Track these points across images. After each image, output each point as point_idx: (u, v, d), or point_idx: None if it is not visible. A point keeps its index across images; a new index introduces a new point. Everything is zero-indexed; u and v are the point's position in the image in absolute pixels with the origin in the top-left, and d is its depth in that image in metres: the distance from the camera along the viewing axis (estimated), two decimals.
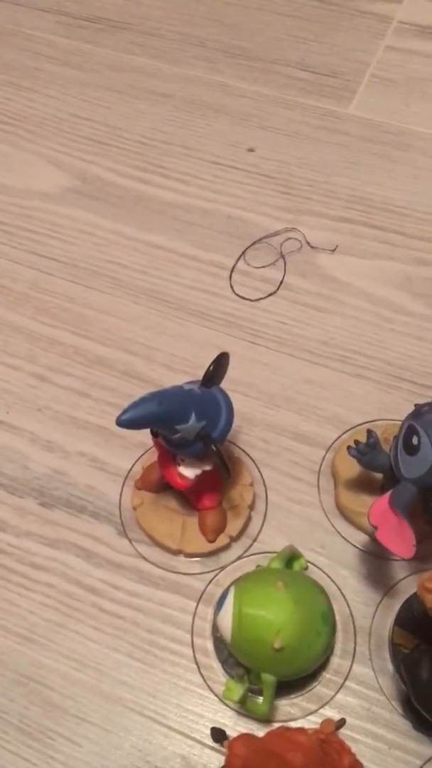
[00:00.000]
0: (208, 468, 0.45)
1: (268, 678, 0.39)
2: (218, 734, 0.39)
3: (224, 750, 0.39)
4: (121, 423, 0.39)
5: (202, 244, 0.65)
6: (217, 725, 0.44)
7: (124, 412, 0.39)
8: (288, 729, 0.36)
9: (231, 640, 0.38)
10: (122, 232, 0.66)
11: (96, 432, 0.56)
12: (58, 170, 0.70)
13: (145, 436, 0.53)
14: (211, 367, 0.42)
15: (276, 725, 0.43)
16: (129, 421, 0.39)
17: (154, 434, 0.45)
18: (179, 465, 0.45)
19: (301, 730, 0.36)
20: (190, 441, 0.42)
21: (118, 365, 0.59)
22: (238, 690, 0.37)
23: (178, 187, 0.68)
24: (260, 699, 0.41)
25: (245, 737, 0.36)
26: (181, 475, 0.45)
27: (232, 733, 0.41)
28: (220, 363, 0.42)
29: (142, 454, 0.54)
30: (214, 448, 0.41)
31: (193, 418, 0.40)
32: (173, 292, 0.62)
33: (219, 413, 0.43)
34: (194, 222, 0.66)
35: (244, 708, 0.38)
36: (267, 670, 0.39)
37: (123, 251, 0.65)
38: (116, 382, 0.58)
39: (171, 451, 0.44)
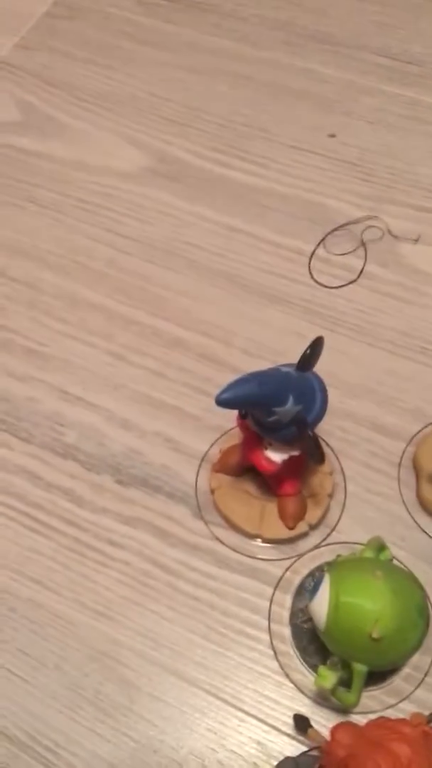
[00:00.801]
0: (295, 453, 0.45)
1: (360, 668, 0.38)
2: (302, 722, 0.39)
3: (307, 739, 0.39)
4: (220, 401, 0.38)
5: (281, 229, 0.64)
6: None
7: (224, 391, 0.38)
8: (389, 720, 0.36)
9: (325, 627, 0.37)
10: (200, 214, 0.65)
11: (172, 413, 0.55)
12: (137, 150, 0.70)
13: (221, 419, 0.53)
14: (308, 351, 0.41)
15: (354, 717, 0.43)
16: (228, 400, 0.38)
17: (243, 416, 0.44)
18: (266, 449, 0.45)
19: (404, 721, 0.35)
20: (284, 425, 0.41)
21: (196, 347, 0.58)
22: (331, 677, 0.37)
23: (258, 171, 0.67)
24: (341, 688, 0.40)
25: (347, 726, 0.35)
26: (268, 459, 0.45)
27: None
28: (317, 347, 0.41)
29: (219, 438, 0.53)
30: (310, 433, 0.41)
31: (290, 401, 0.40)
32: (251, 276, 0.62)
33: (314, 398, 0.42)
34: (273, 206, 0.65)
35: (333, 696, 0.37)
36: (360, 660, 0.38)
37: (201, 233, 0.64)
38: (193, 365, 0.57)
39: (260, 434, 0.43)
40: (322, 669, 0.37)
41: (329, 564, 0.40)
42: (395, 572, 0.41)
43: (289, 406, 0.40)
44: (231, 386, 0.38)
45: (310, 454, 0.41)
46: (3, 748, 0.44)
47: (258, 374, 0.39)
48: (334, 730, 0.35)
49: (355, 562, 0.40)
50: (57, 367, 0.58)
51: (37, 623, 0.47)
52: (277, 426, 0.41)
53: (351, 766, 0.33)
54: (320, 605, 0.37)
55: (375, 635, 0.36)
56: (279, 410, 0.40)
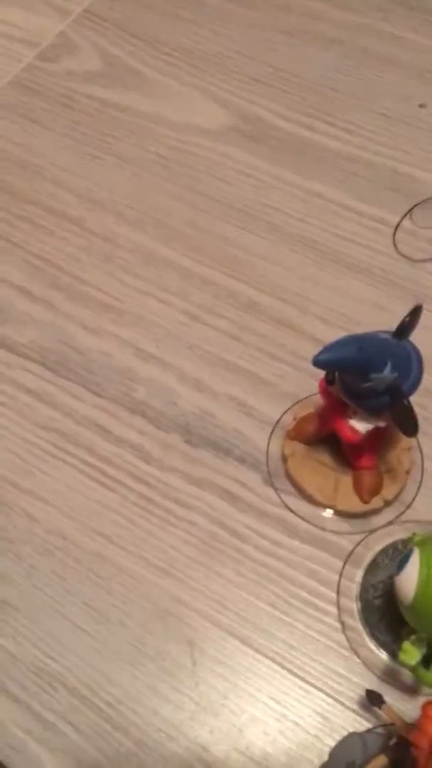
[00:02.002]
0: (381, 424, 0.43)
1: None
2: (375, 697, 0.38)
3: (383, 714, 0.38)
4: (317, 362, 0.37)
5: (365, 197, 0.62)
6: (363, 691, 0.42)
7: (322, 352, 0.37)
8: None
9: (412, 602, 0.36)
10: (282, 177, 0.64)
11: (245, 376, 0.54)
12: (220, 108, 0.68)
13: (296, 387, 0.52)
14: (407, 319, 0.39)
15: (422, 699, 0.42)
16: (326, 361, 0.37)
17: (329, 382, 0.43)
18: (350, 418, 0.43)
19: None
20: (378, 392, 0.40)
21: (271, 312, 0.57)
22: (415, 653, 0.36)
23: (344, 137, 0.65)
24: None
25: None
26: (352, 429, 0.43)
27: None
28: (416, 314, 0.40)
29: (293, 405, 0.52)
30: (405, 402, 0.39)
31: (388, 367, 0.38)
32: (332, 243, 0.60)
33: (410, 367, 0.40)
34: (358, 173, 0.63)
35: (413, 673, 0.36)
36: None
37: (282, 196, 0.62)
38: (268, 329, 0.56)
39: (348, 401, 0.42)
40: (406, 644, 0.36)
41: (417, 539, 0.39)
42: None
43: (386, 373, 0.38)
44: (330, 348, 0.37)
45: (404, 424, 0.40)
46: (63, 698, 0.43)
47: (358, 337, 0.38)
48: (427, 707, 0.34)
49: None
50: (131, 323, 0.57)
51: (101, 577, 0.47)
52: (370, 393, 0.40)
53: None
54: (408, 579, 0.36)
55: None
56: (375, 376, 0.38)
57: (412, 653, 0.35)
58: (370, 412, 0.42)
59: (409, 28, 0.72)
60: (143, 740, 0.42)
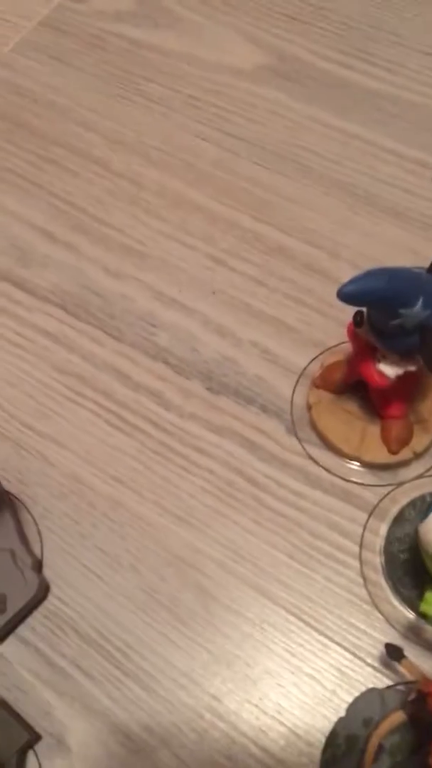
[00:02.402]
0: (411, 369, 0.40)
1: None
2: (395, 651, 0.36)
3: (401, 669, 0.36)
4: (343, 294, 0.34)
5: (405, 139, 0.58)
6: (383, 648, 0.40)
7: (349, 283, 0.34)
8: None
9: None
10: (317, 118, 0.60)
11: (270, 323, 0.52)
12: (254, 46, 0.65)
13: (323, 334, 0.50)
14: None
15: None
16: (352, 294, 0.34)
17: (357, 324, 0.40)
18: (379, 362, 0.41)
19: None
20: (407, 331, 0.37)
21: (300, 256, 0.54)
22: None
23: (384, 76, 0.62)
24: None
25: None
26: (380, 373, 0.41)
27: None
28: None
29: (320, 354, 0.50)
30: None
31: (419, 303, 0.36)
32: (368, 186, 0.57)
33: None
34: (399, 114, 0.60)
35: None
36: None
37: (317, 138, 0.59)
38: (296, 275, 0.53)
39: (376, 343, 0.39)
40: (429, 594, 0.33)
41: None
42: None
43: (417, 310, 0.36)
44: (357, 279, 0.34)
45: None
46: (73, 643, 0.42)
47: (387, 270, 0.35)
48: None
49: None
50: (154, 267, 0.55)
51: (116, 522, 0.45)
52: (399, 332, 0.37)
53: None
54: None
55: None
56: (405, 312, 0.36)
57: None
58: (400, 353, 0.40)
59: None
60: (153, 687, 0.41)
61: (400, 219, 0.55)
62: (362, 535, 0.44)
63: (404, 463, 0.45)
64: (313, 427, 0.47)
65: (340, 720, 0.39)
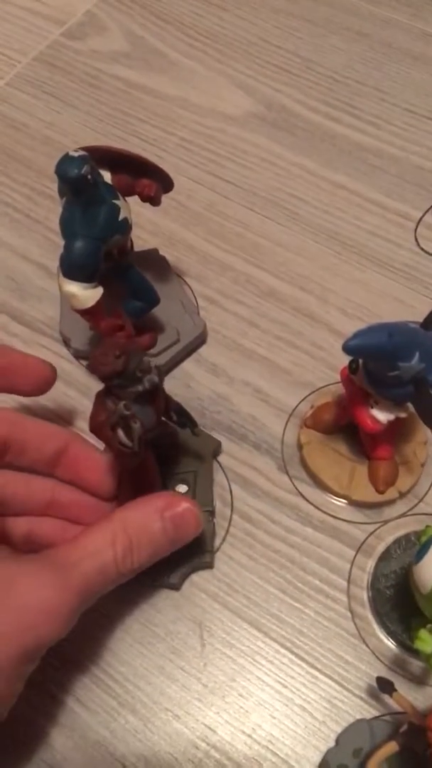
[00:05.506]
0: (403, 415, 0.43)
1: None
2: (386, 685, 0.38)
3: (393, 702, 0.38)
4: (348, 348, 0.37)
5: (388, 191, 0.62)
6: (371, 679, 0.42)
7: (353, 338, 0.37)
8: None
9: (431, 591, 0.36)
10: (305, 167, 0.63)
11: (262, 363, 0.54)
12: (245, 94, 0.68)
13: (312, 376, 0.52)
14: None
15: (431, 689, 0.42)
16: (356, 347, 0.37)
17: (353, 371, 0.43)
18: (372, 407, 0.43)
19: None
20: (403, 382, 0.40)
21: (291, 300, 0.57)
22: (431, 641, 0.36)
23: (369, 130, 0.65)
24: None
25: None
26: (373, 418, 0.43)
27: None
28: None
29: (310, 394, 0.52)
30: (431, 393, 0.39)
31: (416, 357, 0.38)
32: (354, 235, 0.60)
33: None
34: (382, 167, 0.63)
35: (428, 662, 0.36)
36: None
37: (305, 186, 0.62)
38: (287, 317, 0.56)
39: (372, 391, 0.42)
40: (423, 632, 0.36)
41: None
42: None
43: (414, 363, 0.38)
44: (360, 334, 0.37)
45: (428, 415, 0.40)
46: (71, 674, 0.43)
47: (388, 325, 0.38)
48: None
49: None
50: None
51: None
52: (396, 383, 0.40)
53: None
54: (428, 568, 0.36)
55: None
56: (403, 365, 0.38)
57: (428, 641, 0.35)
58: (394, 401, 0.42)
59: None
60: (150, 718, 0.42)
61: (385, 268, 0.58)
62: (350, 571, 0.46)
63: (390, 502, 0.48)
64: (304, 465, 0.49)
65: (330, 750, 0.41)
